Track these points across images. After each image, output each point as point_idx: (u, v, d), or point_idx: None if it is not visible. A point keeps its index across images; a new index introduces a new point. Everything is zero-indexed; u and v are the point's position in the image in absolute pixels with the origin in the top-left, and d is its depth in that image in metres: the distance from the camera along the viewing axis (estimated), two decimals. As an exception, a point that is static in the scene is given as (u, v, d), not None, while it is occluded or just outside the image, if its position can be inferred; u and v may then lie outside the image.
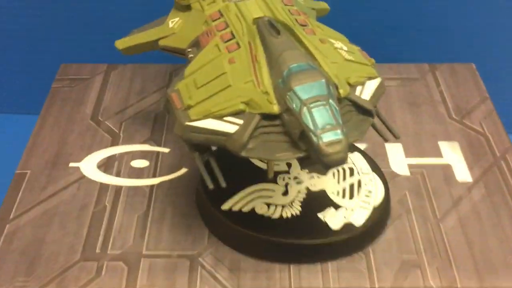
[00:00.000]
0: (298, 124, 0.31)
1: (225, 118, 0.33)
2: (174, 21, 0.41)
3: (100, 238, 0.42)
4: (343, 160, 0.30)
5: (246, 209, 0.42)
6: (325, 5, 0.46)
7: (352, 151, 0.46)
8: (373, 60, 0.37)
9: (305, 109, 0.31)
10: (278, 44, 0.34)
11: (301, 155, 0.32)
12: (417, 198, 0.45)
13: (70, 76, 0.57)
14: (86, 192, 0.46)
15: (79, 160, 0.48)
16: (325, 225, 0.41)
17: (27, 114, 0.53)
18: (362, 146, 0.49)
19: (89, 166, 0.48)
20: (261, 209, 0.42)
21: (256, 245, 0.41)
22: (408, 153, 0.49)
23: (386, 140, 0.37)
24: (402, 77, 0.58)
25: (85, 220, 0.44)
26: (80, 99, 0.54)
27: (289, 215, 0.42)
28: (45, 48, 0.65)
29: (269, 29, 0.35)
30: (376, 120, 0.37)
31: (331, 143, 0.30)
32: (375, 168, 0.45)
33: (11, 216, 0.44)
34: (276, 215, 0.41)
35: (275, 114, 0.32)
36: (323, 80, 0.32)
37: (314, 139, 0.30)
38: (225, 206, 0.42)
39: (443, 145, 0.50)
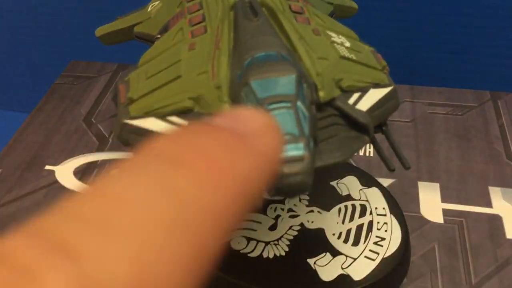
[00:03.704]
0: None
1: (168, 118, 0.25)
2: (154, 5, 0.35)
3: (52, 256, 0.36)
4: (302, 186, 0.22)
5: (219, 241, 0.34)
6: (351, 3, 0.38)
7: (369, 185, 0.37)
8: (384, 63, 0.28)
9: None
10: (250, 29, 0.26)
11: None
12: (448, 254, 0.35)
13: (76, 74, 0.51)
14: (53, 200, 0.40)
15: (56, 164, 0.43)
16: (313, 274, 0.32)
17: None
18: (386, 181, 0.39)
19: (65, 171, 0.42)
20: (238, 244, 0.33)
21: (223, 289, 0.32)
22: (446, 197, 0.39)
23: (389, 169, 0.28)
24: (453, 104, 0.47)
25: (42, 232, 0.37)
26: (78, 97, 0.49)
27: (271, 256, 0.33)
28: (62, 44, 0.61)
29: (246, 11, 0.27)
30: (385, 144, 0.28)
31: (287, 160, 0.22)
32: (395, 209, 0.36)
33: (-34, 218, 0.39)
34: (254, 254, 0.33)
35: None
36: (293, 76, 0.23)
37: None
38: (195, 235, 0.34)
39: (495, 192, 0.39)
